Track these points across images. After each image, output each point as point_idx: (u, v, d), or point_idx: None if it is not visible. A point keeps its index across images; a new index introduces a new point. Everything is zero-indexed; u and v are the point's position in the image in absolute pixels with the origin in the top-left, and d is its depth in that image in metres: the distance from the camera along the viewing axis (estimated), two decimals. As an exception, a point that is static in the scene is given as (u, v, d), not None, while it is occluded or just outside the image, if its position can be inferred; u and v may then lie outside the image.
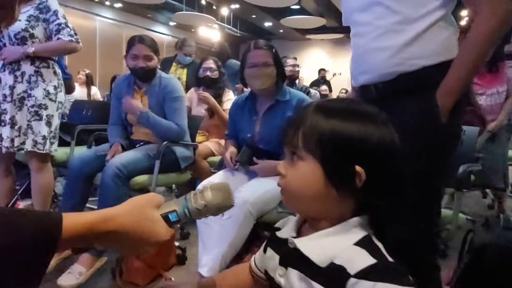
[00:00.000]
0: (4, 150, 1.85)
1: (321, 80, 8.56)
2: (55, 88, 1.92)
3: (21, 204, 2.06)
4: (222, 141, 2.67)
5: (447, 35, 1.00)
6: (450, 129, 1.01)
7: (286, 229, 0.65)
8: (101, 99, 5.64)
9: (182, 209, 0.60)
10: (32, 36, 1.83)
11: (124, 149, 1.86)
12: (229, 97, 2.67)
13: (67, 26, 1.89)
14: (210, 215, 0.62)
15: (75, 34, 1.91)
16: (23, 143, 1.85)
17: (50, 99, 1.89)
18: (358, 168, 0.55)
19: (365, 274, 0.49)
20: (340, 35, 10.50)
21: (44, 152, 1.87)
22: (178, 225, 1.78)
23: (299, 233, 0.62)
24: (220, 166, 1.80)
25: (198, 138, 2.47)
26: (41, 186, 1.95)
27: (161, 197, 0.62)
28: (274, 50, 1.68)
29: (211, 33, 9.19)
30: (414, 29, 0.98)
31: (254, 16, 8.84)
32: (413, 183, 0.99)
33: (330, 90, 7.21)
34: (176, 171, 1.94)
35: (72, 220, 0.53)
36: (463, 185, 1.36)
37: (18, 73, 1.84)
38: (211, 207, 0.61)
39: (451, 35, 1.01)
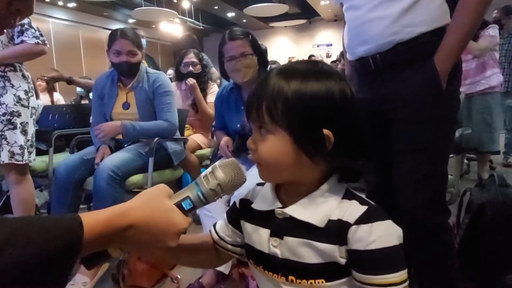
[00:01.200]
0: None
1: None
2: (26, 92, 1.77)
3: None
4: (208, 134, 2.62)
5: (439, 2, 1.02)
6: (450, 94, 1.03)
7: (263, 201, 0.65)
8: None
9: (196, 194, 0.59)
10: None
11: (112, 150, 1.76)
12: (213, 90, 2.61)
13: (31, 27, 1.74)
14: (225, 194, 0.61)
15: (41, 35, 1.77)
16: None
17: (22, 105, 1.75)
18: (326, 131, 0.56)
19: (362, 219, 0.55)
20: (303, 21, 10.58)
21: (23, 163, 1.74)
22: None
23: (282, 202, 0.62)
24: (214, 158, 1.74)
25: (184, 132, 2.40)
26: (23, 199, 1.82)
27: (170, 189, 0.59)
28: (250, 37, 1.60)
29: (172, 28, 8.95)
30: None
31: (216, 7, 8.69)
32: (421, 150, 1.02)
33: None
34: (169, 168, 1.87)
35: (90, 219, 0.49)
36: (461, 149, 1.40)
37: None
38: (224, 185, 0.60)
39: (443, 2, 1.03)
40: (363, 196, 0.60)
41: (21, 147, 1.73)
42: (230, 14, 9.42)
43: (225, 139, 1.64)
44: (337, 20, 10.34)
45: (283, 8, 8.29)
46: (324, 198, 0.59)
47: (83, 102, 4.52)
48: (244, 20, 9.93)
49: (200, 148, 2.47)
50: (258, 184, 0.70)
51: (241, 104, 1.66)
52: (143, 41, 3.35)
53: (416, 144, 1.03)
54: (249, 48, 1.57)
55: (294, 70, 0.59)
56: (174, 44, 3.79)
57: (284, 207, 0.61)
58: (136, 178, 1.66)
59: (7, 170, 1.76)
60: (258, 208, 0.65)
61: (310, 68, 0.59)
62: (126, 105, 1.87)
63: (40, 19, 7.14)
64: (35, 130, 1.85)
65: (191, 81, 2.46)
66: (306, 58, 8.88)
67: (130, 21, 9.09)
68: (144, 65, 2.00)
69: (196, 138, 2.46)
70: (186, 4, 8.11)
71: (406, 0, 0.99)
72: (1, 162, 1.71)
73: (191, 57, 2.59)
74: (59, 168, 1.66)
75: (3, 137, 1.71)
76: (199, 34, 11.04)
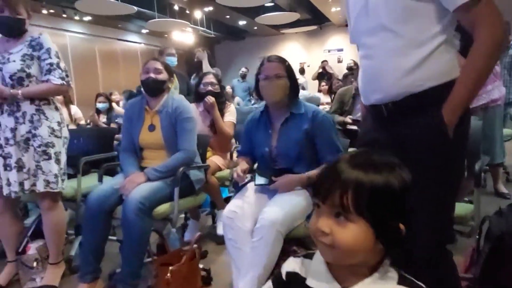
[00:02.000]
0: (13, 195, 1.79)
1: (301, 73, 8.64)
2: (59, 123, 1.87)
3: (32, 246, 2.00)
4: (227, 155, 2.68)
5: (450, 57, 1.07)
6: (458, 137, 1.07)
7: (319, 279, 0.68)
8: (83, 119, 5.50)
9: None
10: (28, 75, 1.78)
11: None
12: (231, 109, 2.68)
13: (59, 67, 1.82)
14: None
15: (67, 76, 1.85)
16: (34, 184, 1.80)
17: (56, 136, 1.84)
18: (401, 226, 0.63)
19: None
20: (314, 27, 10.59)
21: (57, 190, 1.83)
22: (198, 245, 1.79)
23: (339, 282, 0.66)
24: (235, 185, 1.80)
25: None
26: (56, 225, 1.91)
27: None
28: (287, 63, 1.72)
29: (184, 36, 9.09)
30: (420, 53, 1.05)
31: (228, 16, 8.79)
32: (427, 191, 1.06)
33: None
34: (191, 194, 1.94)
35: None
36: (481, 182, 1.42)
37: (18, 114, 1.78)
38: None
39: (453, 57, 1.08)
40: (413, 279, 0.66)
41: (55, 176, 1.83)
42: (242, 22, 9.51)
43: (241, 166, 1.70)
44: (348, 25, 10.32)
45: (294, 16, 8.34)
46: (382, 281, 0.64)
47: (101, 118, 4.61)
48: (255, 28, 10.01)
49: (220, 169, 2.53)
50: (305, 257, 0.73)
51: (269, 127, 1.74)
52: (174, 59, 3.53)
53: (423, 186, 1.06)
54: (283, 72, 1.68)
55: (372, 161, 0.64)
56: (189, 65, 3.94)
57: (343, 287, 0.65)
58: (163, 208, 1.73)
59: (41, 198, 1.85)
60: (315, 286, 0.68)
61: (387, 161, 0.65)
62: (151, 127, 1.97)
63: (57, 34, 7.34)
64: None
65: (211, 99, 2.53)
66: (317, 63, 8.91)
67: (144, 31, 9.26)
68: (172, 86, 2.11)
69: (216, 160, 2.53)
70: (198, 15, 8.22)
71: (417, 54, 1.05)
72: (37, 191, 1.81)
73: (210, 77, 2.67)
74: (91, 198, 1.74)
75: (39, 167, 1.80)
76: (210, 42, 11.17)
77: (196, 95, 2.71)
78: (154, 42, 10.25)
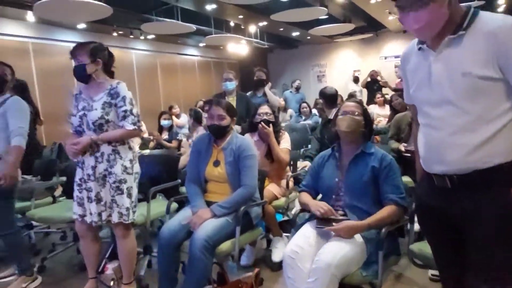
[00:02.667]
0: (94, 224, 2.05)
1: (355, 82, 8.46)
2: (131, 161, 2.08)
3: (109, 267, 2.26)
4: (282, 183, 2.75)
5: None
6: None
7: None
8: (146, 132, 5.93)
9: None
10: (107, 121, 2.00)
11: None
12: (285, 137, 2.77)
13: (132, 113, 2.01)
14: None
15: (138, 121, 2.04)
16: (110, 215, 2.04)
17: (128, 173, 2.05)
18: None
19: None
20: (369, 35, 10.31)
21: (129, 222, 2.05)
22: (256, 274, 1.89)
23: None
24: (310, 218, 1.86)
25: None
26: (127, 251, 2.14)
27: None
28: (364, 107, 1.92)
29: (239, 47, 9.37)
30: (488, 130, 1.03)
31: (281, 29, 8.90)
32: (494, 266, 1.04)
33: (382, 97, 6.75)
34: (250, 229, 2.06)
35: None
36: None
37: (98, 154, 2.02)
38: None
39: None
40: None
41: (127, 209, 2.04)
42: (295, 33, 9.56)
43: (320, 205, 1.76)
44: (406, 31, 9.89)
45: (349, 27, 8.22)
46: None
47: (163, 135, 4.94)
48: (309, 37, 10.00)
49: (276, 198, 2.62)
50: None
51: (338, 162, 1.87)
52: (232, 83, 3.72)
53: (491, 261, 1.06)
54: (360, 111, 1.86)
55: None
56: (243, 73, 4.12)
57: None
58: (225, 246, 1.86)
59: (116, 226, 2.09)
60: None
61: None
62: (216, 163, 2.13)
63: (125, 52, 7.98)
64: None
65: (267, 128, 2.63)
66: (370, 70, 8.66)
67: (201, 45, 9.70)
68: (234, 128, 2.24)
69: (272, 189, 2.62)
70: (252, 29, 8.43)
71: (485, 131, 1.03)
72: (112, 222, 2.04)
73: (265, 108, 2.78)
74: (163, 234, 1.95)
75: (113, 201, 2.03)
76: (263, 51, 11.37)
77: (250, 126, 2.83)
78: (210, 54, 10.69)
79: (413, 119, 1.34)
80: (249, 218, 2.01)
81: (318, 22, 7.70)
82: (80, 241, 2.23)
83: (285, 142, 2.78)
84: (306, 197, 1.89)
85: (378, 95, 6.82)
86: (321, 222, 1.72)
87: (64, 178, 3.22)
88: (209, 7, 6.32)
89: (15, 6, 5.17)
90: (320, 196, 1.94)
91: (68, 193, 3.07)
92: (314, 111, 6.41)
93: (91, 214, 2.04)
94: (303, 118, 6.34)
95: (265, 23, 7.90)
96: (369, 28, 9.79)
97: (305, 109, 6.38)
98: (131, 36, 7.54)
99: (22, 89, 3.29)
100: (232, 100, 3.71)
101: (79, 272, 2.65)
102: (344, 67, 11.26)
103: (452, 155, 1.08)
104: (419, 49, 1.17)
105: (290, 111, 7.01)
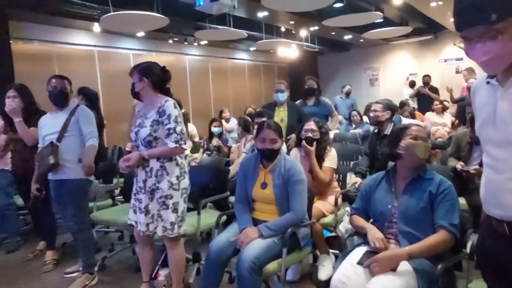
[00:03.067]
0: (141, 233, 2.17)
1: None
2: (178, 177, 2.14)
3: (162, 273, 2.39)
4: (330, 199, 2.71)
5: None
6: None
7: None
8: (197, 136, 6.14)
9: None
10: (155, 138, 2.10)
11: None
12: (331, 154, 2.72)
13: (175, 131, 2.07)
14: None
15: (181, 139, 2.09)
16: (156, 227, 2.14)
17: (174, 189, 2.12)
18: None
19: None
20: (428, 36, 9.76)
21: (173, 236, 2.12)
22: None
23: None
24: (359, 244, 1.83)
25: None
26: (175, 260, 2.24)
27: None
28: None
29: (289, 51, 9.33)
30: None
31: (333, 33, 8.73)
32: None
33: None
34: (297, 250, 2.05)
35: None
36: None
37: (148, 169, 2.13)
38: None
39: None
40: None
41: (172, 224, 2.12)
42: (347, 37, 9.33)
43: (377, 236, 1.68)
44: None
45: (405, 30, 7.85)
46: None
47: (214, 142, 5.09)
48: (361, 40, 9.69)
49: (324, 215, 2.59)
50: None
51: (392, 186, 1.79)
52: (285, 95, 3.74)
53: None
54: (426, 136, 1.81)
55: None
56: (291, 77, 4.12)
57: None
58: (272, 267, 1.87)
59: (163, 238, 2.19)
60: None
61: None
62: (264, 185, 2.14)
63: (179, 57, 8.33)
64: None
65: (307, 147, 2.62)
66: (429, 74, 8.21)
67: (251, 49, 9.82)
68: (283, 150, 2.25)
69: (320, 206, 2.58)
70: (303, 33, 8.37)
71: None
72: (158, 234, 2.15)
73: (311, 124, 2.75)
74: (211, 249, 1.99)
75: (159, 215, 2.13)
76: (313, 54, 11.23)
77: (297, 140, 2.82)
78: (260, 58, 10.78)
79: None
80: (296, 238, 2.00)
81: (373, 26, 7.43)
82: (136, 244, 2.38)
83: (330, 160, 2.72)
84: (361, 220, 1.84)
85: (436, 102, 6.44)
86: (367, 255, 1.65)
87: (122, 180, 3.44)
88: (261, 14, 6.39)
89: (84, 19, 5.63)
90: (371, 220, 1.88)
91: (125, 195, 3.28)
92: (365, 118, 6.19)
93: (140, 223, 2.16)
94: (353, 126, 6.17)
95: (316, 28, 7.81)
96: (428, 29, 9.27)
97: (355, 117, 6.20)
98: (185, 43, 7.84)
99: (91, 98, 3.61)
100: (283, 110, 3.73)
101: (134, 273, 2.80)
102: (399, 70, 10.76)
103: (508, 199, 1.02)
104: (487, 82, 1.10)
105: (340, 117, 6.86)
